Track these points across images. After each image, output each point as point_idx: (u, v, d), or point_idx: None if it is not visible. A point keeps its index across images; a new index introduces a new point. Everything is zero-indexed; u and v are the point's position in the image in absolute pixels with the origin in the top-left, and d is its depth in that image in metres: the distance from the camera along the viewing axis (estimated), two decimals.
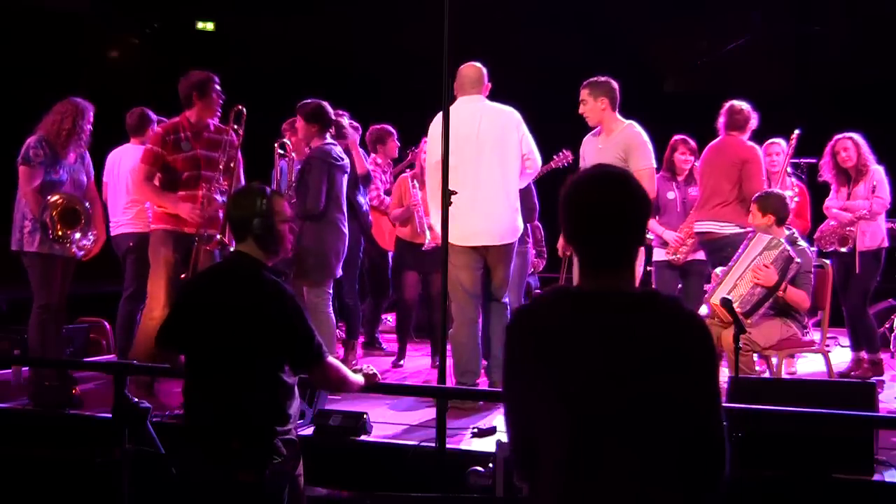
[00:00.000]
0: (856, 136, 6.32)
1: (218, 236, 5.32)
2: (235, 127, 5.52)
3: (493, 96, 5.55)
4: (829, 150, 6.41)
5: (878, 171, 6.30)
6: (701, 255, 6.27)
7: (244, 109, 5.51)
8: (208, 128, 5.46)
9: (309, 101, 6.01)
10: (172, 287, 5.29)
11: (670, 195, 6.52)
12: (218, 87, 5.45)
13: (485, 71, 5.50)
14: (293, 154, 6.12)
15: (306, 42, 11.34)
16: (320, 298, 5.80)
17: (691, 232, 6.23)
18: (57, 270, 5.63)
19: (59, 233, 5.51)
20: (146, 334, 5.19)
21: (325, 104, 6.00)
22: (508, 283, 5.50)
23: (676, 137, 6.60)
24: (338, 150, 5.97)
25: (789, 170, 6.53)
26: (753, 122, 6.05)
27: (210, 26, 11.98)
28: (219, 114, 5.53)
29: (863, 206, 6.24)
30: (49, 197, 5.53)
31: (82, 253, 5.72)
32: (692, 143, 6.56)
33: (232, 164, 5.47)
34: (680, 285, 6.54)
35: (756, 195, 5.58)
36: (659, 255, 6.57)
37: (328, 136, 5.99)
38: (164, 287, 5.29)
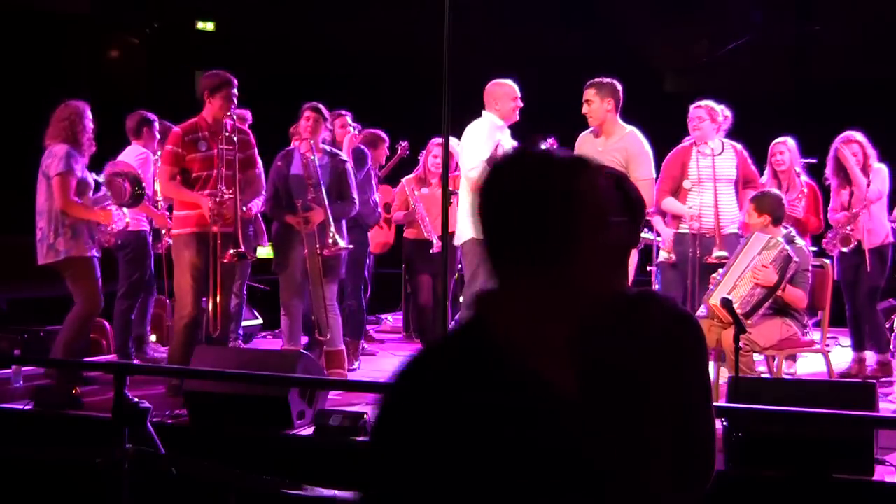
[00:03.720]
0: (858, 135, 6.20)
1: (231, 250, 5.42)
2: (240, 127, 5.61)
3: None
4: (832, 150, 6.24)
5: (880, 170, 6.18)
6: None
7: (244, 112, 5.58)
8: (225, 127, 5.53)
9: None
10: (198, 288, 5.46)
11: None
12: (234, 91, 5.53)
13: (495, 89, 5.50)
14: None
15: (306, 42, 11.33)
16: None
17: None
18: (98, 272, 5.74)
19: (139, 191, 5.73)
20: (177, 335, 5.50)
21: None
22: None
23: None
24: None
25: (798, 168, 6.41)
26: (695, 122, 5.90)
27: (210, 26, 11.98)
28: (233, 114, 5.57)
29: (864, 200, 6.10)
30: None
31: (113, 226, 5.93)
32: None
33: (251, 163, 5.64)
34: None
35: (752, 195, 5.55)
36: (663, 255, 6.49)
37: None
38: (191, 289, 5.45)
